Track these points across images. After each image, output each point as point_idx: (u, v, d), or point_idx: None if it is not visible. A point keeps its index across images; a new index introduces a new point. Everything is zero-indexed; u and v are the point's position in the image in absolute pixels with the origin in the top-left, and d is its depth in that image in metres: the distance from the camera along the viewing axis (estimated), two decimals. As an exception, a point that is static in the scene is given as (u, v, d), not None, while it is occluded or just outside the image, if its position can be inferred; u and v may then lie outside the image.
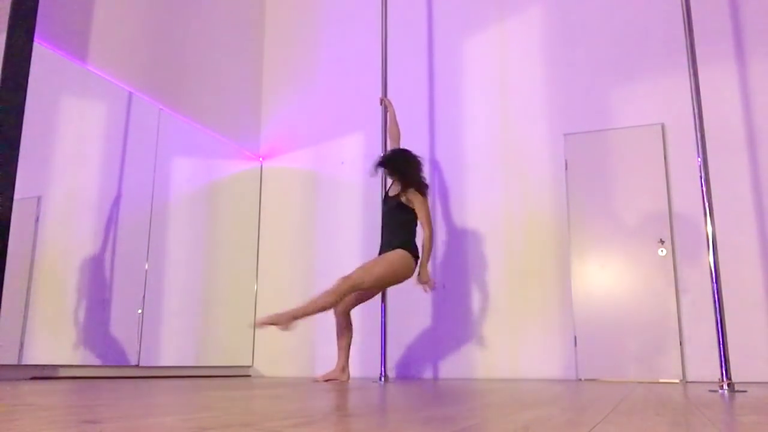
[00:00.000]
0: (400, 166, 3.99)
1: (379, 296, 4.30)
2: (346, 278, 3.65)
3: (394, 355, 5.02)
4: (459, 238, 5.10)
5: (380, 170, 4.23)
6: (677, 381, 4.22)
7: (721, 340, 3.17)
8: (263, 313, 5.64)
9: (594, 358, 4.51)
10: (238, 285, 5.63)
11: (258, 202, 5.93)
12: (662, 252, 4.47)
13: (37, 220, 3.91)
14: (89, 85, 4.35)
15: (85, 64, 4.29)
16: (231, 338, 5.48)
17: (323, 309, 3.66)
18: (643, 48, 4.84)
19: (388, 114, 4.63)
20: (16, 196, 3.62)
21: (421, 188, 3.94)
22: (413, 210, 3.88)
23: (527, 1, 5.28)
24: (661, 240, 4.49)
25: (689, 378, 4.26)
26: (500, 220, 5.01)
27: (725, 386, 3.06)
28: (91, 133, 4.39)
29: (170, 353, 4.87)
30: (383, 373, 4.25)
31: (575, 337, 4.58)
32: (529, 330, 4.75)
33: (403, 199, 3.89)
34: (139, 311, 4.53)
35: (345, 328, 3.99)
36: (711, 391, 2.98)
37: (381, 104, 4.75)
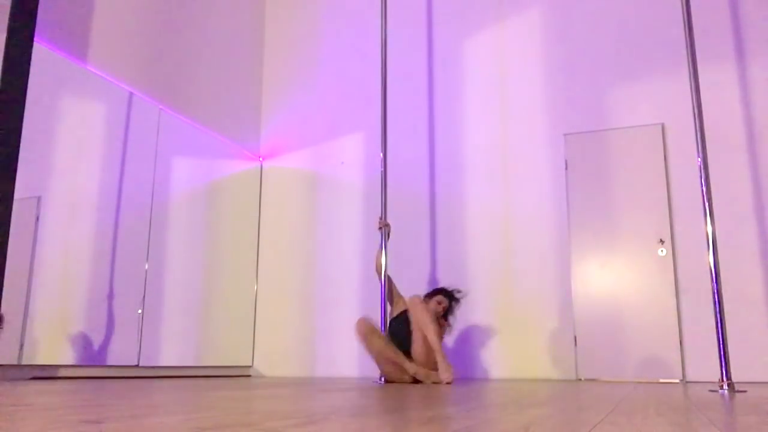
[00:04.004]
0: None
1: (378, 296, 4.30)
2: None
3: (394, 355, 5.01)
4: (459, 237, 5.10)
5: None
6: (677, 381, 4.22)
7: (721, 340, 3.17)
8: (263, 313, 5.65)
9: (594, 358, 4.51)
10: (238, 285, 5.63)
11: (258, 202, 5.93)
12: (662, 252, 4.47)
13: (37, 220, 3.91)
14: (89, 85, 4.35)
15: (85, 64, 4.29)
16: (231, 338, 5.48)
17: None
18: (643, 48, 4.84)
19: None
20: (16, 196, 3.62)
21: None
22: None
23: (527, 1, 5.28)
24: (661, 240, 4.49)
25: (689, 378, 4.26)
26: (500, 220, 5.01)
27: (725, 386, 3.06)
28: (91, 133, 4.39)
29: (170, 353, 4.87)
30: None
31: (575, 337, 4.58)
32: (529, 330, 4.75)
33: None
34: (139, 311, 4.53)
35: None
36: (711, 391, 2.98)
37: (379, 227, 4.30)
